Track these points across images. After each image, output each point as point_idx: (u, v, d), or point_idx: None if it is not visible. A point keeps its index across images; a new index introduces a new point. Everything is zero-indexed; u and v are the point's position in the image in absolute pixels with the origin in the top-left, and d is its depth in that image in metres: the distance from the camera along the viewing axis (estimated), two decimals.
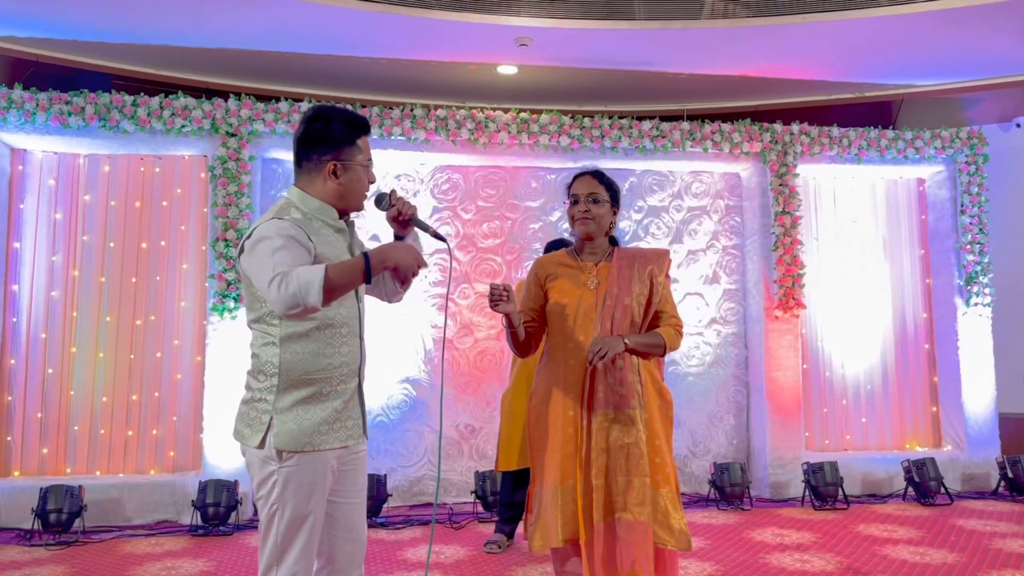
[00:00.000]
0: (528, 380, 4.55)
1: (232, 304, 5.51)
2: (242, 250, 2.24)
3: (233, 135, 5.63)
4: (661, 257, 2.92)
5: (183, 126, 5.57)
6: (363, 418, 2.38)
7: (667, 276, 2.91)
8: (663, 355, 2.86)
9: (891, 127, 6.77)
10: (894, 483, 6.20)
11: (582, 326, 2.80)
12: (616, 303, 2.80)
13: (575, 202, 2.89)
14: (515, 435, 4.56)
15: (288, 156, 5.93)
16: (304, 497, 2.19)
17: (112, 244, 5.80)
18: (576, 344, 2.79)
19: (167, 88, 5.96)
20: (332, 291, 2.04)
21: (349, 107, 5.77)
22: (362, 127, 2.32)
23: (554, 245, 4.70)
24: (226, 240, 5.52)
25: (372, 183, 2.37)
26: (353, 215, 2.44)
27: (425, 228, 2.39)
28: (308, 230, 2.20)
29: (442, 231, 6.21)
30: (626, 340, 2.74)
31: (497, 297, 2.68)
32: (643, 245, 6.29)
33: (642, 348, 2.79)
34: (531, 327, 2.92)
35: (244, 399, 2.30)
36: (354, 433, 2.32)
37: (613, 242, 2.97)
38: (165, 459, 5.76)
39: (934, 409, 6.72)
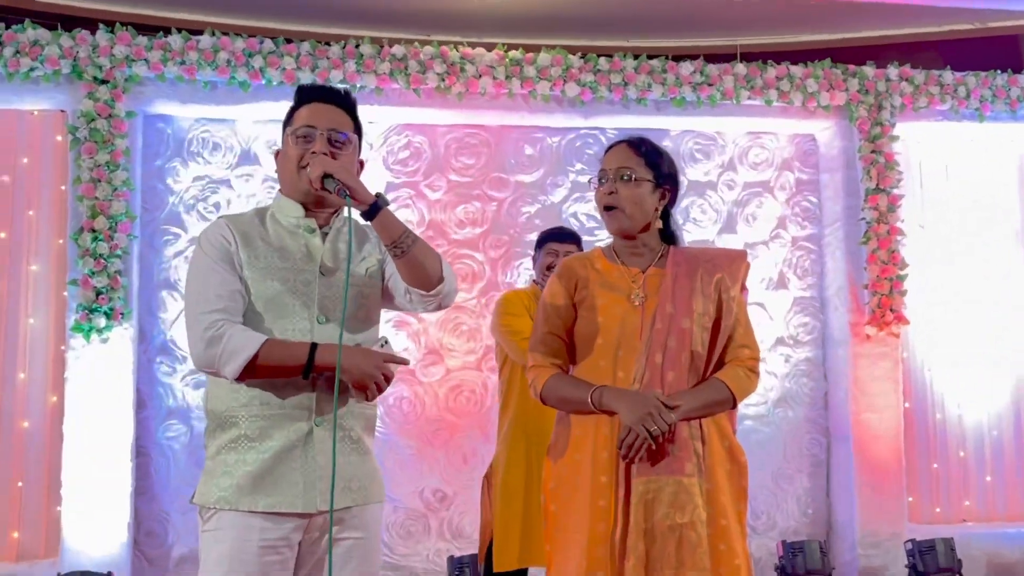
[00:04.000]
0: (529, 440, 4.36)
1: (103, 322, 5.41)
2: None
3: (104, 82, 5.58)
4: (735, 261, 2.92)
5: (32, 69, 5.52)
6: (325, 479, 2.31)
7: (743, 288, 2.90)
8: (734, 407, 2.80)
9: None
10: None
11: (623, 358, 2.74)
12: (670, 327, 2.74)
13: (601, 181, 2.86)
14: (513, 520, 4.39)
15: (182, 112, 5.96)
16: (219, 573, 2.27)
17: None
18: (613, 383, 2.72)
19: (8, 16, 5.85)
20: (255, 373, 2.27)
21: (268, 40, 5.71)
22: (302, 95, 2.52)
23: (552, 236, 4.47)
24: (94, 231, 5.42)
25: (313, 153, 2.42)
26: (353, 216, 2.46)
27: (329, 192, 2.38)
28: (243, 236, 2.40)
29: (401, 215, 6.06)
30: (677, 406, 2.64)
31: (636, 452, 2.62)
32: (683, 234, 6.21)
33: (700, 413, 2.72)
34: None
35: None
36: (294, 497, 2.30)
37: (668, 239, 2.92)
38: (7, 542, 5.63)
39: None
